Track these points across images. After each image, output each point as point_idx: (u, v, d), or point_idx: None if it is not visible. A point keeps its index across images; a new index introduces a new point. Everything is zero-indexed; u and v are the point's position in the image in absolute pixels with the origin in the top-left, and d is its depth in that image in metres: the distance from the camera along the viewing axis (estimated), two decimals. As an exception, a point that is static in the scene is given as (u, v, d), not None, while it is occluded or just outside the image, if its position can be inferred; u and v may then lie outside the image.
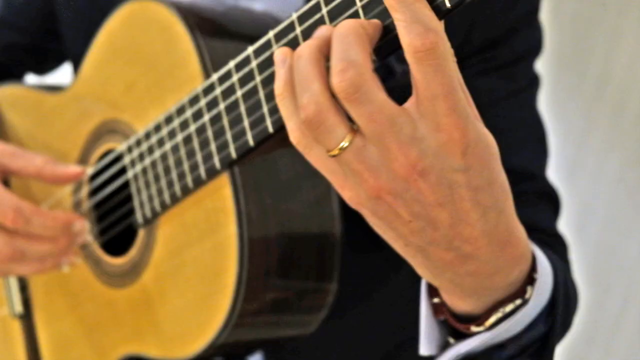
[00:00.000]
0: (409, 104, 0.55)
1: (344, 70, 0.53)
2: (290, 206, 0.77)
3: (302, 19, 0.64)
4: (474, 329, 0.68)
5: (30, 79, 1.18)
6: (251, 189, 0.75)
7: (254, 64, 0.68)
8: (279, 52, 0.60)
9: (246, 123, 0.70)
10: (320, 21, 0.62)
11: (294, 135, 0.58)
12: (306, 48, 0.57)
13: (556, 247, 0.81)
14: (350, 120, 0.56)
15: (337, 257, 0.79)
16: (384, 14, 0.58)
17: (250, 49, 0.69)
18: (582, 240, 1.83)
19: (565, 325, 0.76)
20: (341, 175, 0.58)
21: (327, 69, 0.56)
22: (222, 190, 0.75)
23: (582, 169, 1.83)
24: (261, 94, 0.68)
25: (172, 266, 0.81)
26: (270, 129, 0.68)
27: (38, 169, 0.88)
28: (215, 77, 0.72)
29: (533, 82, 0.92)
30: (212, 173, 0.74)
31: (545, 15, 0.92)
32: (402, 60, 0.59)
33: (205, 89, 0.74)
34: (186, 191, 0.77)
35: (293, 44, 0.65)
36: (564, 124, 1.82)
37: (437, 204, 0.57)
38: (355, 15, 0.60)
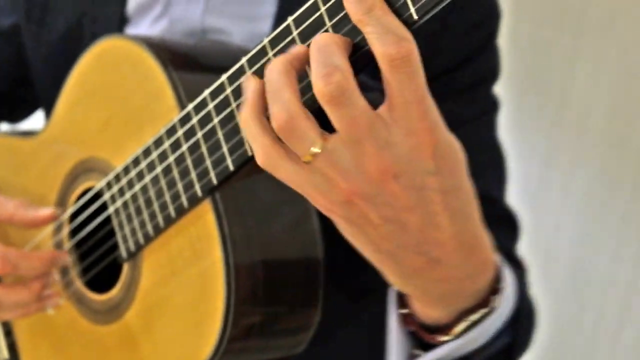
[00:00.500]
0: (383, 109, 0.57)
1: (329, 74, 0.55)
2: (272, 228, 0.78)
3: (273, 42, 0.66)
4: (441, 338, 0.70)
5: (3, 127, 1.19)
6: (233, 213, 0.76)
7: (228, 90, 0.70)
8: (247, 78, 0.63)
9: (225, 149, 0.71)
10: (292, 43, 0.64)
11: (259, 156, 0.60)
12: (277, 61, 0.59)
13: (515, 270, 0.83)
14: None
15: (321, 276, 0.80)
16: (354, 32, 0.60)
17: (224, 76, 0.70)
18: (553, 258, 1.86)
19: (527, 339, 0.79)
20: (311, 186, 0.59)
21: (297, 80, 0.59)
22: (205, 216, 0.76)
23: (549, 188, 1.86)
24: (238, 118, 0.70)
25: (159, 297, 0.81)
26: (249, 152, 0.70)
27: (10, 214, 0.90)
28: (190, 106, 0.74)
29: (492, 106, 0.94)
30: (194, 201, 0.75)
31: (503, 39, 0.95)
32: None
33: (182, 119, 0.75)
34: (169, 221, 0.78)
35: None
36: (528, 145, 1.86)
37: (408, 208, 0.58)
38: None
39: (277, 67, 0.58)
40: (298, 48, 0.60)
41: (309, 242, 0.80)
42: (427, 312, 0.69)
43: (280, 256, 0.79)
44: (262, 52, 0.67)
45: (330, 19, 0.62)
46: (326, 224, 0.80)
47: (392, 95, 0.56)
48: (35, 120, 1.17)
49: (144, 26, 0.96)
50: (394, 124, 0.56)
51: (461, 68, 0.89)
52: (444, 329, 0.70)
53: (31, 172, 0.98)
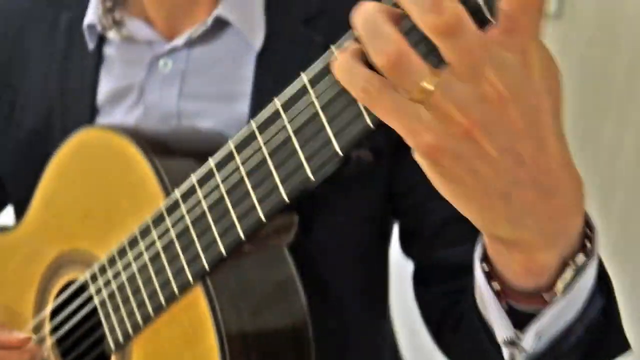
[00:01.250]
0: (493, 31, 0.54)
1: (438, 3, 0.52)
2: (263, 309, 0.78)
3: (262, 127, 0.66)
4: (547, 296, 0.64)
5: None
6: (225, 297, 0.75)
7: (217, 176, 0.70)
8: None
9: (215, 233, 0.71)
10: (280, 125, 0.65)
11: (358, 92, 0.56)
12: (368, 4, 0.56)
13: None
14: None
15: (312, 352, 0.79)
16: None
17: (211, 161, 0.71)
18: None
19: (616, 304, 0.70)
20: (419, 123, 0.55)
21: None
22: (197, 302, 0.75)
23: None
24: (228, 202, 0.70)
25: (151, 387, 0.80)
26: (242, 236, 0.70)
27: None
28: (177, 193, 0.74)
29: None
30: (185, 287, 0.75)
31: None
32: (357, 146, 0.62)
33: (169, 206, 0.75)
34: (159, 310, 0.77)
35: (255, 150, 0.67)
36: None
37: (524, 134, 0.55)
38: (317, 122, 0.63)
39: (371, 7, 0.55)
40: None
41: (300, 320, 0.80)
42: (537, 257, 0.62)
43: (273, 336, 0.78)
44: (251, 137, 0.67)
45: (320, 101, 0.63)
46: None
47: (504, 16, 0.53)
48: (4, 217, 1.15)
49: (117, 115, 0.96)
50: (508, 43, 0.53)
51: None
52: (545, 289, 0.64)
53: (9, 268, 0.97)
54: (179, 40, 0.93)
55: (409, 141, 0.56)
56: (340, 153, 0.63)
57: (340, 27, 0.91)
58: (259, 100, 0.91)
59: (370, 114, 0.60)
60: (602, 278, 0.66)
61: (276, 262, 0.80)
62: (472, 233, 0.64)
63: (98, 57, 0.98)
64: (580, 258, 0.63)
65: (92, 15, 0.96)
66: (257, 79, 0.92)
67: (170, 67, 0.94)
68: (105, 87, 0.97)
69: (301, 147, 0.64)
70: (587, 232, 0.63)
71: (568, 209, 0.59)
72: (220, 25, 0.92)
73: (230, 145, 0.69)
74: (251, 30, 0.91)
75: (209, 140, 0.88)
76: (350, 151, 0.64)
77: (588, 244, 0.63)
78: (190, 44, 0.93)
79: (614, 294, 0.67)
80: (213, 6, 0.93)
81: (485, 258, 0.66)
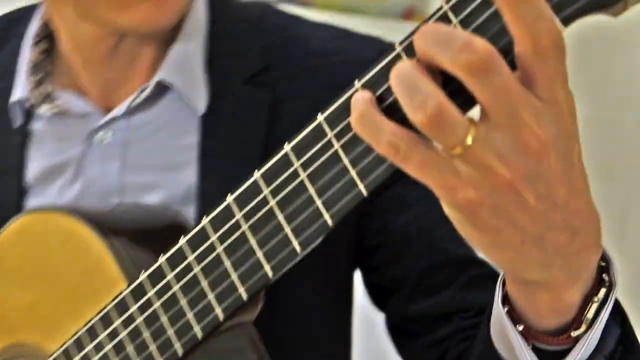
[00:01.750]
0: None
1: (470, 43, 0.50)
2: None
3: (214, 223, 0.64)
4: (574, 333, 0.63)
5: None
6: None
7: (191, 257, 0.66)
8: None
9: (191, 316, 0.66)
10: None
11: (385, 149, 0.53)
12: (404, 63, 0.53)
13: None
14: None
15: None
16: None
17: (183, 240, 0.66)
18: None
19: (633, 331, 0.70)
20: (454, 175, 0.53)
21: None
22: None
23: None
24: (204, 283, 0.66)
25: None
26: (221, 317, 0.65)
27: None
28: (144, 276, 0.69)
29: None
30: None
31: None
32: None
33: (134, 289, 0.70)
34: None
35: (234, 230, 0.63)
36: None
37: (559, 180, 0.53)
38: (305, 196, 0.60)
39: (407, 65, 0.53)
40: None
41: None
42: (564, 296, 0.62)
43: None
44: (203, 234, 0.65)
45: (274, 196, 0.61)
46: None
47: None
48: None
49: (50, 195, 0.90)
50: (539, 90, 0.52)
51: None
52: (569, 326, 0.63)
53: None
54: (118, 110, 0.88)
55: (444, 197, 0.54)
56: (331, 224, 0.60)
57: (287, 81, 0.89)
58: (207, 167, 0.87)
59: (366, 182, 0.57)
60: (616, 307, 0.65)
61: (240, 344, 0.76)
62: (454, 277, 0.63)
63: (25, 134, 0.92)
64: (602, 292, 0.62)
65: (21, 90, 0.90)
66: (202, 144, 0.88)
67: (109, 138, 0.88)
68: (35, 165, 0.91)
69: (288, 223, 0.61)
70: (601, 264, 0.63)
71: (591, 245, 0.59)
72: (160, 90, 0.88)
73: (204, 221, 0.65)
74: (193, 93, 0.87)
75: (157, 215, 0.83)
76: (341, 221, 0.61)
77: (606, 277, 0.63)
78: (130, 112, 0.88)
79: (629, 321, 0.67)
80: (150, 71, 0.89)
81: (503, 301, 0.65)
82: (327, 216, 0.59)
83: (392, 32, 1.59)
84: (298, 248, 0.61)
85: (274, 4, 0.96)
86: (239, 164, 0.86)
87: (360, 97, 0.55)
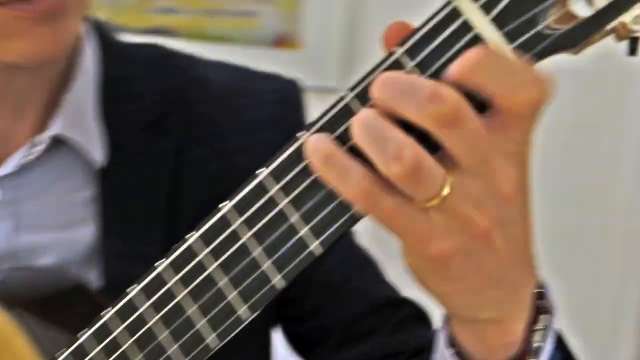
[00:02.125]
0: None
1: (438, 93, 0.47)
2: None
3: (175, 265, 0.58)
4: None
5: None
6: None
7: (118, 328, 0.61)
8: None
9: None
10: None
11: (356, 193, 0.50)
12: (366, 111, 0.50)
13: None
14: None
15: None
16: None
17: (110, 313, 0.61)
18: None
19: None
20: (428, 227, 0.50)
21: None
22: None
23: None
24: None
25: None
26: None
27: None
28: (67, 354, 0.63)
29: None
30: None
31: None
32: None
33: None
34: None
35: (170, 298, 0.58)
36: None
37: (523, 217, 0.52)
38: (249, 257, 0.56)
39: (370, 114, 0.49)
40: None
41: None
42: (514, 332, 0.60)
43: None
44: (132, 304, 0.60)
45: (215, 258, 0.57)
46: None
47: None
48: None
49: None
50: (509, 135, 0.50)
51: None
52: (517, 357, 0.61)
53: None
54: (7, 167, 0.80)
55: (415, 249, 0.51)
56: (283, 285, 0.56)
57: (190, 127, 0.84)
58: (107, 224, 0.81)
59: (322, 239, 0.54)
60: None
61: None
62: (383, 321, 0.60)
63: None
64: (545, 318, 0.61)
65: None
66: (101, 200, 0.81)
67: (-1, 199, 0.81)
68: None
69: (233, 287, 0.57)
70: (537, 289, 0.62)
71: (534, 272, 0.59)
72: (54, 143, 0.81)
73: (133, 291, 0.60)
74: (89, 145, 0.81)
75: (56, 280, 0.77)
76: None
77: (543, 303, 0.61)
78: (21, 168, 0.81)
79: (569, 346, 0.66)
80: (40, 120, 0.81)
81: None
82: (277, 278, 0.55)
83: (264, 60, 1.57)
84: (246, 314, 0.57)
85: (165, 45, 0.90)
86: (143, 219, 0.81)
87: (319, 139, 0.51)
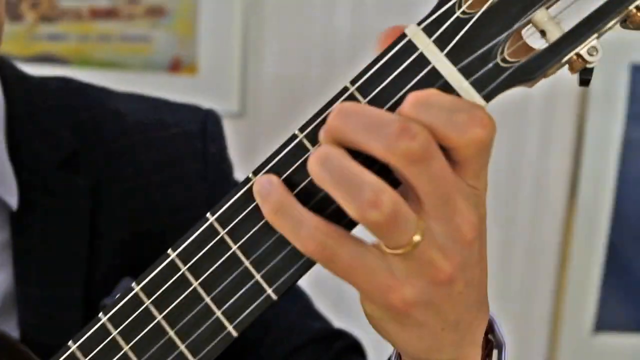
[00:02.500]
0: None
1: (407, 129, 0.45)
2: None
3: (115, 318, 0.55)
4: None
5: None
6: None
7: None
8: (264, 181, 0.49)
9: None
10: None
11: (310, 246, 0.47)
12: (329, 153, 0.46)
13: None
14: None
15: None
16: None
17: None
18: None
19: None
20: (389, 276, 0.47)
21: None
22: None
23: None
24: None
25: None
26: None
27: None
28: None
29: None
30: None
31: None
32: None
33: None
34: None
35: (113, 353, 0.55)
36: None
37: (480, 260, 0.50)
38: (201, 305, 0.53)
39: (335, 154, 0.46)
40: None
41: None
42: None
43: None
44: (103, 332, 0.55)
45: (159, 310, 0.53)
46: None
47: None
48: None
49: None
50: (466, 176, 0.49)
51: None
52: None
53: None
54: None
55: (375, 298, 0.48)
56: (235, 335, 0.53)
57: (106, 163, 0.80)
58: (24, 269, 0.76)
59: (275, 286, 0.52)
60: None
61: None
62: (319, 354, 0.60)
63: None
64: (495, 353, 0.60)
65: None
66: (16, 243, 0.77)
67: None
68: None
69: (181, 340, 0.54)
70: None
71: (487, 310, 0.57)
72: None
73: (73, 347, 0.56)
74: (1, 188, 0.76)
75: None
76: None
77: (491, 337, 0.60)
78: None
79: None
80: None
81: None
82: (229, 327, 0.53)
83: (160, 87, 1.53)
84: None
85: (74, 78, 0.86)
86: (61, 262, 0.77)
87: (268, 183, 0.49)
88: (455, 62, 0.49)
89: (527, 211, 1.67)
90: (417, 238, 0.47)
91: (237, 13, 1.49)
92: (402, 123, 0.46)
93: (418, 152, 0.45)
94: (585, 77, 0.50)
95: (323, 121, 0.49)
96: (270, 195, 0.48)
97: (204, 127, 0.85)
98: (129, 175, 0.80)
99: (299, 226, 0.47)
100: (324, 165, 0.46)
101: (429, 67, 0.49)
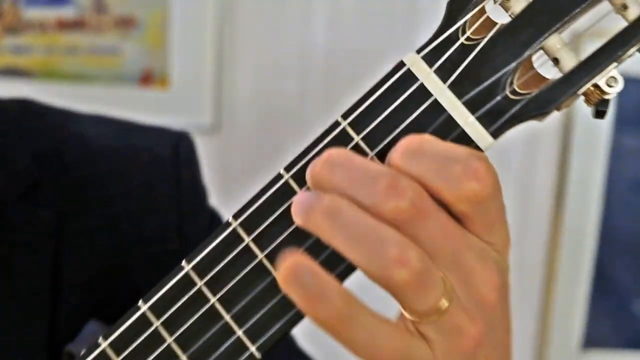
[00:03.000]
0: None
1: (397, 184, 0.41)
2: None
3: None
4: None
5: None
6: None
7: None
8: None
9: None
10: None
11: (329, 316, 0.40)
12: (338, 205, 0.41)
13: None
14: None
15: None
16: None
17: None
18: None
19: None
20: (417, 349, 0.43)
21: None
22: None
23: None
24: None
25: None
26: None
27: None
28: None
29: None
30: None
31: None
32: None
33: None
34: None
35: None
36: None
37: (504, 319, 0.46)
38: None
39: (345, 206, 0.41)
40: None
41: None
42: None
43: None
44: None
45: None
46: None
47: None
48: None
49: None
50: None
51: None
52: None
53: None
54: None
55: None
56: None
57: (71, 192, 0.74)
58: None
59: (259, 344, 0.46)
60: None
61: None
62: None
63: None
64: None
65: None
66: None
67: None
68: None
69: None
70: None
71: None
72: None
73: None
74: None
75: None
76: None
77: None
78: None
79: None
80: None
81: None
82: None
83: (130, 100, 1.47)
84: None
85: (34, 100, 0.80)
86: (23, 304, 0.71)
87: (292, 254, 0.42)
88: (459, 94, 0.43)
89: (512, 226, 1.63)
90: (444, 304, 0.42)
91: (210, 23, 1.43)
92: (390, 179, 0.41)
93: (407, 210, 0.40)
94: (601, 109, 0.44)
95: (310, 160, 0.44)
96: (288, 261, 0.41)
97: (177, 151, 0.79)
98: (95, 206, 0.74)
99: (321, 296, 0.40)
100: (336, 220, 0.40)
101: (430, 100, 0.44)
